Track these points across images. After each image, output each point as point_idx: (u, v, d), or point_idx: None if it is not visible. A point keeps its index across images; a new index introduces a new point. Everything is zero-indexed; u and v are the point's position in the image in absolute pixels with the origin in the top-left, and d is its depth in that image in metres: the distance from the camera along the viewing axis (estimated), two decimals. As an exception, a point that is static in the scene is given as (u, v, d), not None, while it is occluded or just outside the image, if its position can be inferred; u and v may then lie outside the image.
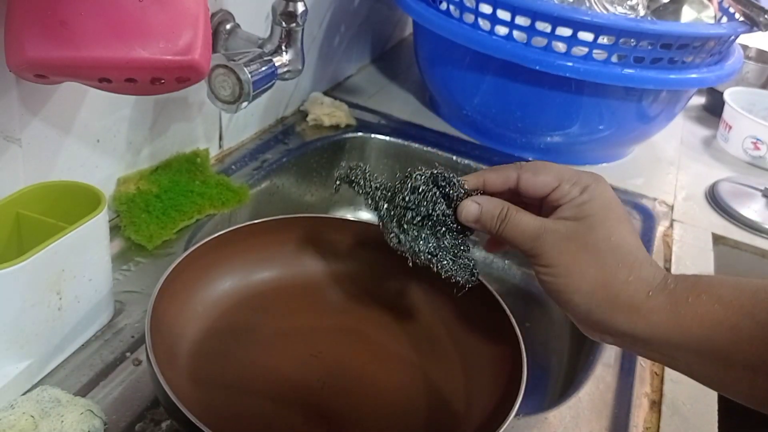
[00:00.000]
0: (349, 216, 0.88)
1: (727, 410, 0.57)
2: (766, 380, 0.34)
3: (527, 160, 0.91)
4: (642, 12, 0.85)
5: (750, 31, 0.80)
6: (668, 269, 0.73)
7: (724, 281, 0.37)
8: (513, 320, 0.50)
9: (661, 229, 0.81)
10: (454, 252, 0.46)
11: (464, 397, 0.50)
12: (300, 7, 0.65)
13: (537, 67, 0.77)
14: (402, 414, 0.49)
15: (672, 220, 0.83)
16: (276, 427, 0.46)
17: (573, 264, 0.39)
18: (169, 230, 0.63)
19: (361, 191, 0.47)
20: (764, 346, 0.34)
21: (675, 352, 0.37)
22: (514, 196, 0.44)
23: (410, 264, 0.46)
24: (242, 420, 0.46)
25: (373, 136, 0.90)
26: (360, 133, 0.90)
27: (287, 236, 0.57)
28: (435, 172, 0.45)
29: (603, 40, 0.75)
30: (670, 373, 0.59)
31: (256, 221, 0.56)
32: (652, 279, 0.38)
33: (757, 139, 1.00)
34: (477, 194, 0.45)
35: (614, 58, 0.77)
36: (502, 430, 0.42)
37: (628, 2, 0.84)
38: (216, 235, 0.53)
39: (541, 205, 0.43)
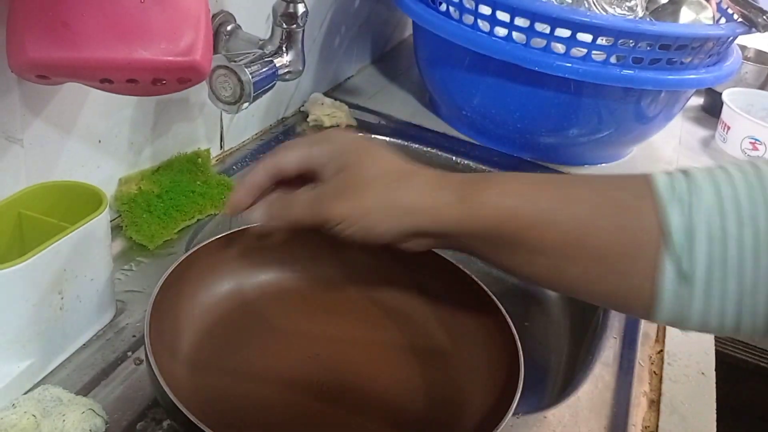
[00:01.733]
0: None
1: (725, 409, 0.57)
2: (544, 259, 0.39)
3: (525, 160, 0.91)
4: (640, 13, 0.85)
5: (748, 32, 0.80)
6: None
7: (511, 175, 0.42)
8: (509, 319, 0.51)
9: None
10: None
11: (462, 397, 0.50)
12: (300, 9, 0.65)
13: (536, 68, 0.77)
14: (400, 414, 0.49)
15: (671, 221, 0.84)
16: (275, 427, 0.47)
17: (359, 204, 0.41)
18: (171, 230, 0.63)
19: None
20: (542, 229, 0.39)
21: (469, 242, 0.41)
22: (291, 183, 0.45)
23: None
24: (241, 420, 0.46)
25: (373, 136, 0.90)
26: (360, 134, 0.90)
27: (287, 239, 0.58)
28: None
29: (602, 41, 0.75)
30: (668, 372, 0.59)
31: (255, 224, 0.56)
32: (435, 178, 0.42)
33: (756, 140, 1.00)
34: None
35: (613, 59, 0.77)
36: (500, 429, 0.42)
37: (627, 3, 0.84)
38: (215, 237, 0.53)
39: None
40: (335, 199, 0.42)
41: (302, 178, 0.45)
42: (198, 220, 0.66)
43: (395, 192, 0.41)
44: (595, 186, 0.40)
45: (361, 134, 0.44)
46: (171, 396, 0.39)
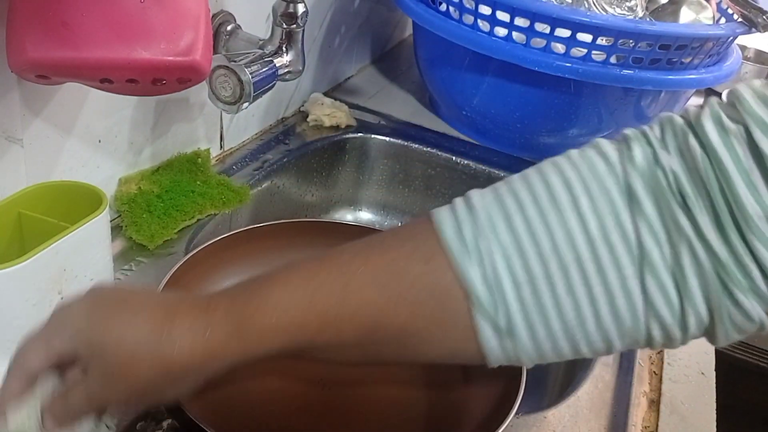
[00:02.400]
0: (349, 216, 0.88)
1: (725, 409, 0.57)
2: (356, 350, 0.36)
3: (525, 160, 0.91)
4: (640, 13, 0.85)
5: (748, 32, 0.80)
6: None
7: (280, 277, 0.37)
8: None
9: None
10: None
11: (464, 397, 0.50)
12: (300, 9, 0.65)
13: (536, 68, 0.77)
14: (402, 414, 0.49)
15: (671, 221, 0.84)
16: (276, 426, 0.47)
17: (133, 386, 0.35)
18: (171, 230, 0.63)
19: None
20: (333, 331, 0.35)
21: (268, 360, 0.36)
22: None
23: None
24: (242, 419, 0.46)
25: (373, 136, 0.90)
26: (360, 134, 0.90)
27: (286, 241, 0.58)
28: None
29: (602, 41, 0.75)
30: (668, 372, 0.59)
31: (254, 226, 0.56)
32: (197, 323, 0.35)
33: (756, 140, 1.00)
34: None
35: (613, 59, 0.77)
36: (502, 429, 0.42)
37: (627, 3, 0.84)
38: (215, 239, 0.53)
39: None
40: (107, 390, 0.35)
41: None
42: (198, 219, 0.66)
43: (160, 361, 0.35)
44: (377, 263, 0.35)
45: (88, 293, 0.38)
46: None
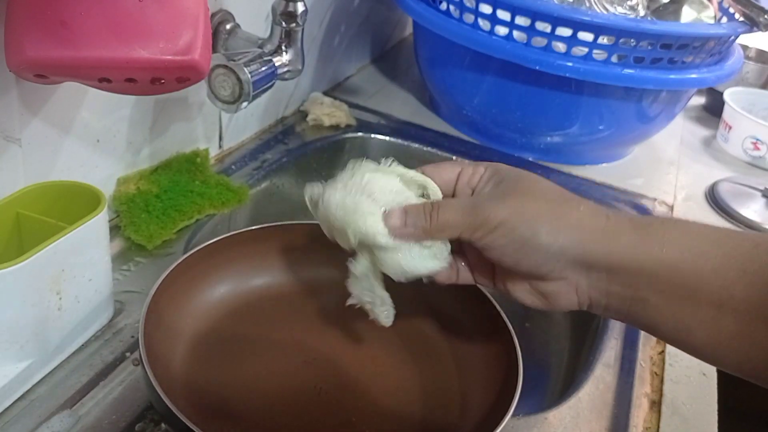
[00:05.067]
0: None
1: (727, 410, 0.57)
2: (732, 321, 0.32)
3: (528, 161, 0.91)
4: (642, 12, 0.85)
5: (750, 31, 0.80)
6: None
7: (686, 221, 0.36)
8: (507, 320, 0.50)
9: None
10: None
11: (460, 399, 0.50)
12: (300, 7, 0.65)
13: (537, 67, 0.77)
14: (399, 416, 0.49)
15: (672, 221, 0.83)
16: (273, 430, 0.46)
17: (521, 210, 0.36)
18: (169, 230, 0.63)
19: None
20: (734, 279, 0.32)
21: (641, 281, 0.34)
22: None
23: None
24: (237, 424, 0.46)
25: (373, 136, 0.90)
26: (360, 133, 0.90)
27: (283, 243, 0.57)
28: None
29: (603, 40, 0.75)
30: (670, 373, 0.59)
31: (251, 228, 0.56)
32: (603, 208, 0.36)
33: (757, 140, 1.00)
34: None
35: (614, 59, 0.77)
36: (500, 430, 0.42)
37: (628, 2, 0.84)
38: (212, 241, 0.53)
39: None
40: (495, 202, 0.36)
41: None
42: (197, 220, 0.66)
43: (561, 206, 0.36)
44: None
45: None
46: (166, 400, 0.39)
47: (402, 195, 0.41)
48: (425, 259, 0.41)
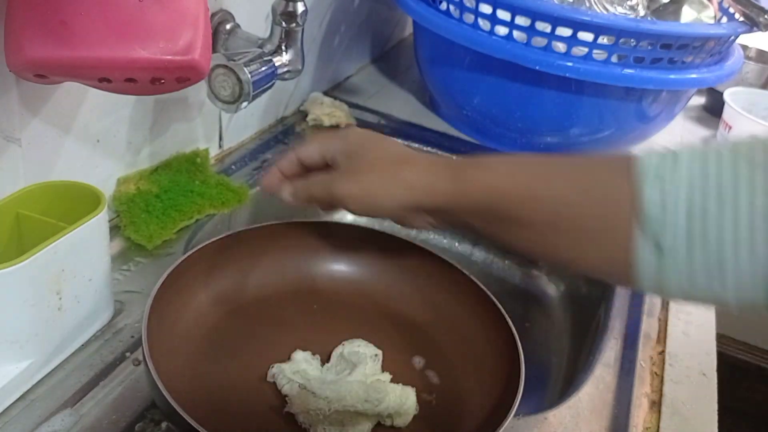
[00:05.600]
0: (349, 216, 0.88)
1: (727, 410, 0.57)
2: (529, 232, 0.42)
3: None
4: (642, 12, 0.85)
5: (750, 31, 0.80)
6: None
7: (500, 157, 0.46)
8: (509, 320, 0.50)
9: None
10: None
11: (462, 398, 0.50)
12: (300, 7, 0.65)
13: (537, 67, 0.77)
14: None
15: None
16: (273, 431, 0.46)
17: (364, 183, 0.46)
18: (169, 230, 0.63)
19: None
20: (524, 204, 0.42)
21: (463, 217, 0.45)
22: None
23: None
24: (239, 422, 0.46)
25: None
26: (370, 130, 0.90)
27: (285, 241, 0.57)
28: None
29: (603, 40, 0.75)
30: (670, 373, 0.59)
31: (253, 226, 0.56)
32: (431, 162, 0.46)
33: (757, 140, 0.99)
34: None
35: (614, 59, 0.77)
36: (501, 430, 0.42)
37: (628, 2, 0.84)
38: (213, 240, 0.53)
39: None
40: (343, 179, 0.47)
41: (325, 168, 0.50)
42: (197, 220, 0.66)
43: (396, 171, 0.46)
44: (577, 164, 0.43)
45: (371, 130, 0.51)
46: (169, 399, 0.39)
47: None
48: None
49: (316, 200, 0.49)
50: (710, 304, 0.40)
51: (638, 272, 0.39)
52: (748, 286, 0.36)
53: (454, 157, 0.49)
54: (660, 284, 0.39)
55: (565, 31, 0.75)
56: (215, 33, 0.67)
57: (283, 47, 0.67)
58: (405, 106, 1.00)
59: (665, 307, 0.68)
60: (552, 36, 0.75)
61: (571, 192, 0.41)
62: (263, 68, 0.64)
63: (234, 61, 0.61)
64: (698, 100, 1.21)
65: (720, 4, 0.87)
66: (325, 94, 0.96)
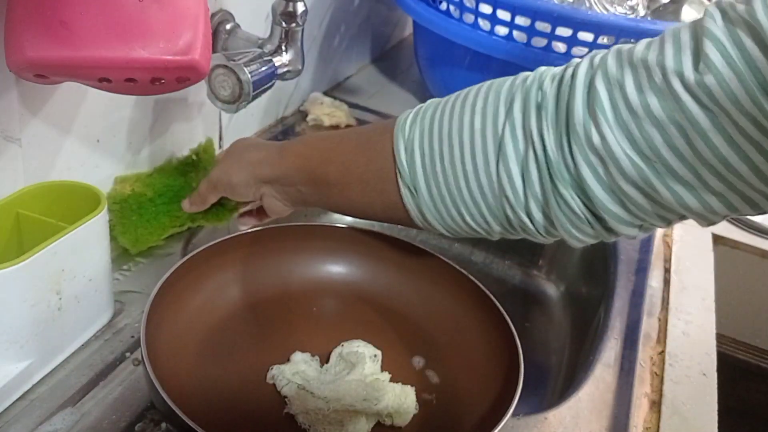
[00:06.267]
0: (347, 219, 0.88)
1: (727, 410, 0.57)
2: (335, 190, 0.50)
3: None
4: (642, 12, 0.85)
5: (750, 31, 0.80)
6: (668, 270, 0.73)
7: (314, 134, 0.58)
8: (509, 320, 0.50)
9: (660, 230, 0.81)
10: None
11: (462, 398, 0.50)
12: (300, 7, 0.65)
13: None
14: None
15: (672, 221, 0.83)
16: (273, 431, 0.47)
17: (224, 169, 0.56)
18: (157, 236, 0.61)
19: None
20: (325, 166, 0.50)
21: (295, 184, 0.52)
22: None
23: None
24: (238, 423, 0.46)
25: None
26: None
27: (282, 244, 0.58)
28: None
29: (603, 40, 0.75)
30: (670, 374, 0.59)
31: (251, 229, 0.56)
32: (271, 145, 0.56)
33: (757, 140, 0.99)
34: None
35: (614, 59, 0.77)
36: (499, 429, 0.42)
37: (628, 2, 0.84)
38: (212, 243, 0.53)
39: None
40: (215, 171, 0.57)
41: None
42: (188, 228, 0.64)
43: (243, 155, 0.55)
44: (362, 131, 0.52)
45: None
46: (167, 400, 0.39)
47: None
48: None
49: (203, 196, 0.59)
50: (469, 232, 0.47)
51: (407, 212, 0.47)
52: (483, 211, 0.44)
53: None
54: (423, 220, 0.47)
55: (565, 31, 0.75)
56: (215, 33, 0.67)
57: (283, 47, 0.67)
58: (405, 106, 0.99)
59: (665, 307, 0.68)
60: (552, 36, 0.75)
61: (355, 153, 0.50)
62: (263, 68, 0.64)
63: (234, 61, 0.61)
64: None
65: (720, 4, 0.87)
66: (325, 94, 0.96)
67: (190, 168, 0.69)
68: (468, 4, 0.80)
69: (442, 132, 0.45)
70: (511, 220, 0.44)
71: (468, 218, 0.45)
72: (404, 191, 0.47)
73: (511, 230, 0.45)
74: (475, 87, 0.47)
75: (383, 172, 0.48)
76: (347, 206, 0.52)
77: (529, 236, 0.45)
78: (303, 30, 0.67)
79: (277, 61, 0.66)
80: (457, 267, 0.56)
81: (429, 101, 0.49)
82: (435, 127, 0.46)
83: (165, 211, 0.63)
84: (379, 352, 0.52)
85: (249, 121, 0.83)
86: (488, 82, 0.46)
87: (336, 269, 0.59)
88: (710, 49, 0.34)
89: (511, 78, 0.45)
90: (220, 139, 0.78)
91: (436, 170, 0.45)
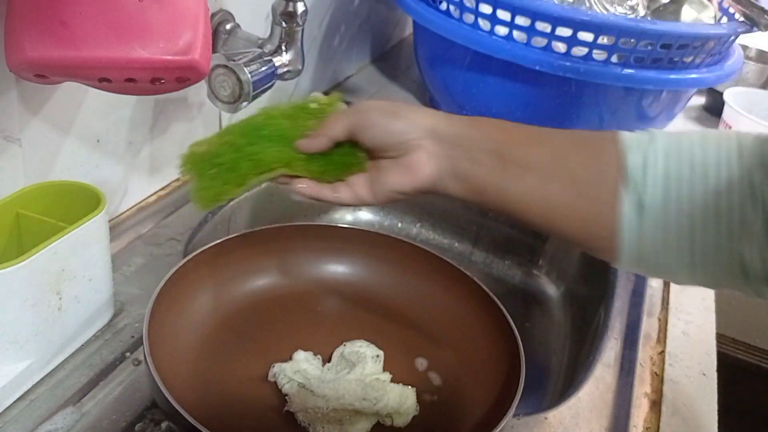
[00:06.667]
0: (349, 217, 0.88)
1: (726, 410, 0.57)
2: (531, 177, 0.44)
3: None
4: (642, 12, 0.85)
5: (750, 31, 0.80)
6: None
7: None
8: (510, 320, 0.50)
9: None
10: None
11: (462, 397, 0.50)
12: (300, 7, 0.65)
13: (537, 67, 0.77)
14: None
15: (672, 221, 0.83)
16: (273, 430, 0.47)
17: (384, 103, 0.48)
18: (232, 187, 0.48)
19: None
20: (528, 147, 0.45)
21: (473, 145, 0.45)
22: None
23: None
24: (239, 422, 0.46)
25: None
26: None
27: (284, 244, 0.58)
28: None
29: (603, 40, 0.75)
30: (670, 373, 0.59)
31: (252, 230, 0.56)
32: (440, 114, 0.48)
33: (757, 140, 0.99)
34: None
35: (614, 59, 0.77)
36: (500, 429, 0.42)
37: (628, 2, 0.84)
38: (213, 243, 0.53)
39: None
40: (351, 107, 0.49)
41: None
42: (274, 178, 0.49)
43: (412, 107, 0.48)
44: (570, 131, 0.47)
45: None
46: (169, 398, 0.39)
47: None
48: None
49: (331, 130, 0.48)
50: (680, 270, 0.42)
51: (621, 229, 0.42)
52: (710, 252, 0.40)
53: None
54: (639, 243, 0.42)
55: (565, 31, 0.75)
56: (215, 33, 0.67)
57: (283, 47, 0.67)
58: (405, 106, 1.00)
59: (665, 307, 0.68)
60: (552, 36, 0.75)
61: (568, 146, 0.45)
62: (263, 68, 0.64)
63: (234, 61, 0.61)
64: (698, 100, 1.21)
65: (720, 4, 0.87)
66: (325, 94, 0.95)
67: (303, 114, 0.52)
68: (468, 4, 0.80)
69: (694, 165, 0.41)
70: (746, 262, 0.40)
71: (694, 258, 0.41)
72: (626, 204, 0.41)
73: (739, 277, 0.41)
74: (719, 136, 0.42)
75: (602, 175, 0.43)
76: (534, 203, 0.45)
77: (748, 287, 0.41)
78: (303, 30, 0.67)
79: (277, 61, 0.66)
80: (459, 267, 0.56)
81: (656, 130, 0.44)
82: (685, 157, 0.41)
83: (249, 154, 0.49)
84: (381, 353, 0.52)
85: (249, 121, 0.83)
86: (720, 132, 0.43)
87: (339, 269, 0.59)
88: None
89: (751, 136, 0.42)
90: (220, 139, 0.78)
91: (681, 195, 0.40)
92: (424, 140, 0.46)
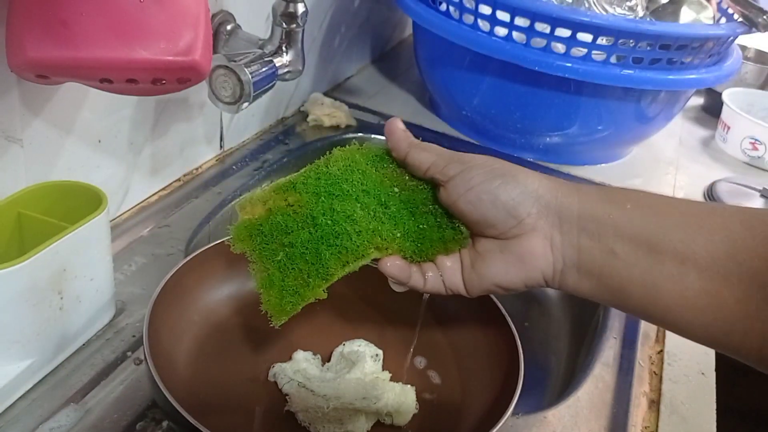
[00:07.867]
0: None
1: (725, 410, 0.57)
2: (695, 277, 0.33)
3: (527, 161, 0.91)
4: (641, 13, 0.85)
5: (748, 31, 0.80)
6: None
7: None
8: (509, 319, 0.51)
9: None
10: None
11: (462, 398, 0.50)
12: (300, 8, 0.65)
13: (536, 68, 0.77)
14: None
15: (671, 221, 0.83)
16: (274, 429, 0.47)
17: (494, 161, 0.39)
18: (315, 288, 0.37)
19: None
20: (690, 233, 0.34)
21: (608, 231, 0.35)
22: None
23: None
24: (240, 421, 0.46)
25: (373, 136, 0.90)
26: (360, 134, 0.90)
27: None
28: None
29: (602, 40, 0.75)
30: (668, 373, 0.59)
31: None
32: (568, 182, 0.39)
33: (756, 140, 1.00)
34: None
35: (613, 59, 0.77)
36: (499, 428, 0.42)
37: (627, 3, 0.84)
38: (214, 243, 0.53)
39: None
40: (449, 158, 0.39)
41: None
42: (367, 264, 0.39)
43: (520, 168, 0.38)
44: (734, 206, 0.35)
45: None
46: (169, 397, 0.39)
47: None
48: None
49: (424, 159, 0.40)
50: None
51: None
52: None
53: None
54: None
55: (564, 32, 0.75)
56: (216, 34, 0.68)
57: (284, 48, 0.67)
58: (405, 107, 1.01)
59: (664, 306, 0.68)
60: (551, 37, 0.75)
61: (745, 232, 0.33)
62: (264, 69, 0.64)
63: (235, 61, 0.62)
64: (697, 101, 1.21)
65: (719, 4, 0.87)
66: (326, 94, 0.96)
67: (389, 160, 0.44)
68: (468, 5, 0.80)
69: None
70: None
71: None
72: None
73: None
74: None
75: None
76: (708, 310, 0.33)
77: None
78: (303, 31, 0.67)
79: (278, 61, 0.66)
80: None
81: None
82: None
83: (332, 233, 0.37)
84: (380, 352, 0.52)
85: (250, 121, 0.83)
86: None
87: None
88: None
89: None
90: (221, 139, 0.78)
91: None
92: (542, 221, 0.36)
